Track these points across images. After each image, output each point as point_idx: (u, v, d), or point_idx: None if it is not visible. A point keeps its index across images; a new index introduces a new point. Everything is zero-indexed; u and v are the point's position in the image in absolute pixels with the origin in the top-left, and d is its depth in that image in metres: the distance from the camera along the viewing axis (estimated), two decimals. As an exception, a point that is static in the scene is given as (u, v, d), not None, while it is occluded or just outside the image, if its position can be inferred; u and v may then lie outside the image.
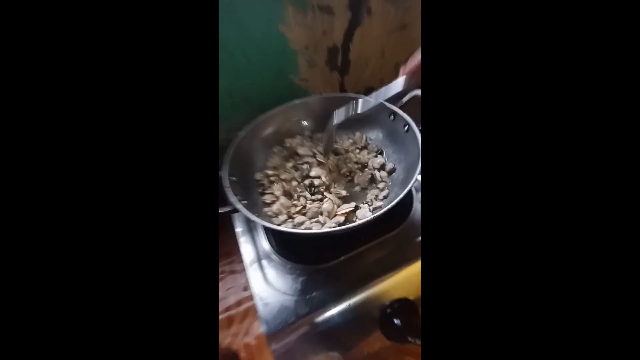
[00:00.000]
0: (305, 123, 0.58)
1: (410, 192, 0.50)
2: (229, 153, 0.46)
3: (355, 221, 0.38)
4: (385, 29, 0.67)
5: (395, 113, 0.51)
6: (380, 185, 0.49)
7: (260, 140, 0.54)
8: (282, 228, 0.38)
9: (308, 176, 0.50)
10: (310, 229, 0.43)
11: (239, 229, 0.49)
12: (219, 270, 0.61)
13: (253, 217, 0.37)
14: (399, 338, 0.39)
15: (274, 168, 0.51)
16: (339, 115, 0.47)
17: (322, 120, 0.58)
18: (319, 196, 0.47)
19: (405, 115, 0.49)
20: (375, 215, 0.37)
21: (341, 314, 0.39)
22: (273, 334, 0.37)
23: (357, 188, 0.50)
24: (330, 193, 0.47)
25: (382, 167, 0.51)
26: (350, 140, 0.56)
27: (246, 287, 0.59)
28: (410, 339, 0.38)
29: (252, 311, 0.56)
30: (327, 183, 0.47)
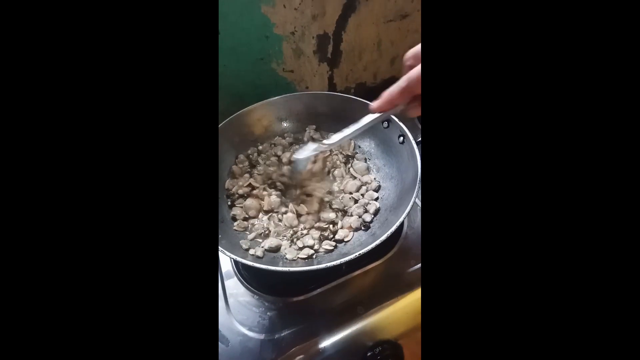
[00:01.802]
0: (285, 124, 0.50)
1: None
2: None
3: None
4: (383, 17, 0.60)
5: (390, 120, 0.44)
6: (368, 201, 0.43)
7: (232, 141, 0.46)
8: (251, 263, 0.31)
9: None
10: (284, 256, 0.37)
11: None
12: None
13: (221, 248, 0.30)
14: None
15: (244, 179, 0.44)
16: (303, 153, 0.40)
17: (305, 120, 0.51)
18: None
19: (401, 124, 0.42)
20: (366, 249, 0.31)
21: (314, 356, 0.34)
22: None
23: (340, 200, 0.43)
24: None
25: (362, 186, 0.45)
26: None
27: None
28: (392, 391, 0.33)
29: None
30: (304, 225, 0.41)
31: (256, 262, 0.31)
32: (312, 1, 0.51)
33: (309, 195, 0.42)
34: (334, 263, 0.30)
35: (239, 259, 0.31)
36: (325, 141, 0.38)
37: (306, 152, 0.39)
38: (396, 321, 0.37)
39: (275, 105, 0.49)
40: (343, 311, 0.36)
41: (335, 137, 0.37)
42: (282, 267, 0.34)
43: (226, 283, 0.39)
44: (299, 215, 0.41)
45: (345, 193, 0.44)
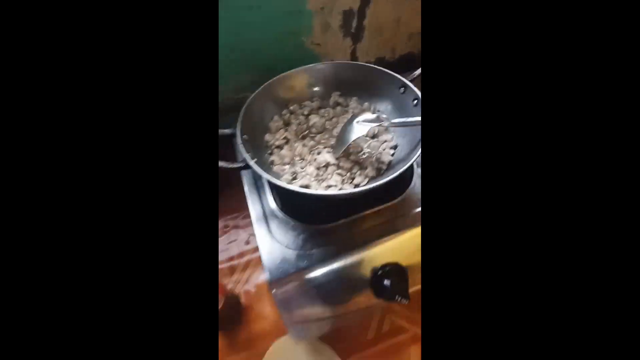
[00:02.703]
0: (316, 89, 0.58)
1: (411, 166, 0.52)
2: (241, 113, 0.46)
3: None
4: (403, -4, 0.66)
5: (406, 86, 0.51)
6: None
7: (271, 101, 0.54)
8: (287, 185, 0.40)
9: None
10: (312, 188, 0.45)
11: (246, 186, 0.51)
12: (224, 224, 0.64)
13: (263, 174, 0.39)
14: (387, 296, 0.43)
15: (280, 133, 0.53)
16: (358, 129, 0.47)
17: (332, 87, 0.58)
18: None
19: (415, 89, 0.50)
20: (376, 184, 0.39)
21: (336, 271, 0.43)
22: (274, 281, 0.41)
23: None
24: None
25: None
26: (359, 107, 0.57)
27: (248, 241, 0.63)
28: (397, 298, 0.42)
29: (252, 263, 0.60)
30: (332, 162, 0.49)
31: (295, 187, 0.40)
32: (342, -21, 0.58)
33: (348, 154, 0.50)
34: (352, 190, 0.39)
35: (283, 184, 0.40)
36: (384, 117, 0.46)
37: (367, 122, 0.47)
38: (400, 250, 0.45)
39: (307, 73, 0.56)
40: (360, 239, 0.45)
41: (398, 120, 0.46)
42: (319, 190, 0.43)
43: (267, 211, 0.48)
44: (326, 165, 0.49)
45: (365, 149, 0.52)
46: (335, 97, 0.57)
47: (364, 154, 0.50)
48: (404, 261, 0.45)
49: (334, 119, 0.55)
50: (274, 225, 0.46)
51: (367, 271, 0.44)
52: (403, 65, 0.75)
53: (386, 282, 0.43)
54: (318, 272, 0.42)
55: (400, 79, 0.52)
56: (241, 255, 0.61)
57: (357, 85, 0.56)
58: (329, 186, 0.46)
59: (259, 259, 0.47)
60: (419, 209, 0.47)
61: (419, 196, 0.49)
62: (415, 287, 0.48)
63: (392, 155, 0.50)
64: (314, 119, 0.54)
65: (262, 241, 0.44)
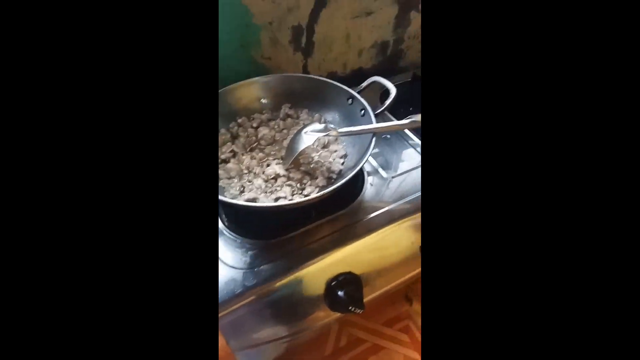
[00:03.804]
0: (264, 101, 0.57)
1: (362, 174, 0.52)
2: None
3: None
4: (350, 13, 0.68)
5: (353, 97, 0.52)
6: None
7: (219, 113, 0.53)
8: (230, 200, 0.38)
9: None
10: (260, 202, 0.43)
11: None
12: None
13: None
14: (341, 308, 0.42)
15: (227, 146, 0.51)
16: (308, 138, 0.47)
17: (283, 99, 0.58)
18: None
19: (362, 100, 0.51)
20: (326, 190, 0.38)
21: (288, 286, 0.41)
22: (220, 304, 0.38)
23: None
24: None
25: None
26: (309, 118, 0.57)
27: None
28: (351, 309, 0.40)
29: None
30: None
31: (238, 202, 0.38)
32: (288, -5, 0.59)
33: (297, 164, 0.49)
34: (302, 199, 0.37)
35: (227, 199, 0.37)
36: (332, 127, 0.46)
37: (315, 132, 0.46)
38: (353, 258, 0.44)
39: (255, 85, 0.55)
40: (312, 250, 0.43)
41: (346, 129, 0.46)
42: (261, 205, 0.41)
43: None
44: (275, 177, 0.48)
45: (315, 159, 0.51)
46: (285, 109, 0.57)
47: (314, 163, 0.50)
48: (358, 270, 0.44)
49: (284, 131, 0.54)
50: (220, 244, 0.43)
51: (320, 284, 0.43)
52: (354, 79, 0.77)
53: (340, 293, 0.42)
54: (267, 289, 0.40)
55: (348, 91, 0.53)
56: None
57: (307, 97, 0.57)
58: (278, 198, 0.45)
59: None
60: (372, 215, 0.47)
61: (371, 203, 0.48)
62: (371, 295, 0.47)
63: (342, 164, 0.50)
64: (263, 131, 0.53)
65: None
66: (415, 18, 0.76)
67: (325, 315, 0.44)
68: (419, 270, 0.51)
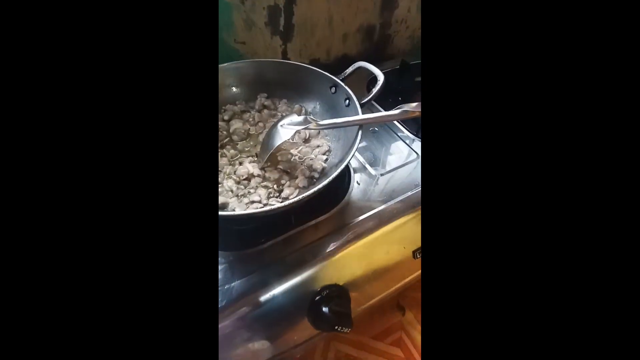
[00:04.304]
0: (236, 90, 0.51)
1: (348, 171, 0.47)
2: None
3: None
4: (333, -8, 0.62)
5: (336, 85, 0.46)
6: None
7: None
8: None
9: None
10: (233, 211, 0.37)
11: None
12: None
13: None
14: (326, 327, 0.37)
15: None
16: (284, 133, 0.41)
17: (258, 88, 0.52)
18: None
19: (347, 88, 0.45)
20: (307, 193, 0.33)
21: (264, 304, 0.35)
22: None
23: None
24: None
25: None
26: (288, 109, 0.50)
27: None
28: (337, 328, 0.35)
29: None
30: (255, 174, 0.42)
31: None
32: (261, -32, 0.52)
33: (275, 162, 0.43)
34: (280, 205, 0.32)
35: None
36: (313, 118, 0.40)
37: (294, 125, 0.40)
38: (342, 268, 0.39)
39: (223, 72, 0.49)
40: (293, 261, 0.38)
41: (329, 121, 0.40)
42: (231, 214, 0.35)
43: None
44: (248, 178, 0.42)
45: (294, 156, 0.45)
46: (261, 99, 0.51)
47: (293, 161, 0.44)
48: (344, 280, 0.39)
49: (260, 124, 0.48)
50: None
51: (302, 300, 0.37)
52: (338, 68, 0.71)
53: (325, 309, 0.37)
54: (240, 311, 0.34)
55: (331, 78, 0.47)
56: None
57: (285, 85, 0.51)
58: (252, 202, 0.39)
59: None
60: (360, 218, 0.42)
61: (358, 205, 0.43)
62: (360, 307, 0.42)
63: (325, 161, 0.44)
64: (236, 125, 0.46)
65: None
66: (402, 0, 0.71)
67: (308, 334, 0.39)
68: (411, 276, 0.46)
